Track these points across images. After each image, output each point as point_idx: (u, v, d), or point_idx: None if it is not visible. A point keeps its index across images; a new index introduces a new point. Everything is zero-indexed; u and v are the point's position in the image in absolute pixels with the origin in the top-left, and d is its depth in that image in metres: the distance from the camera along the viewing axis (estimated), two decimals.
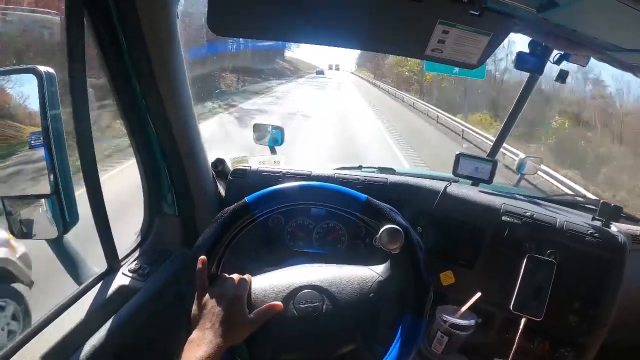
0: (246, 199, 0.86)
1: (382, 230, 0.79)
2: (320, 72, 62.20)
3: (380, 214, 0.84)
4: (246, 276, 0.84)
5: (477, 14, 0.93)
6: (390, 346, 0.77)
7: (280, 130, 1.68)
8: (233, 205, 0.86)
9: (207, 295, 0.78)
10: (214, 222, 0.85)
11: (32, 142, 0.90)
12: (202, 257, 0.80)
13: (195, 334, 0.75)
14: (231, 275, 0.84)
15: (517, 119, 1.60)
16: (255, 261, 1.20)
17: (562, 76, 1.32)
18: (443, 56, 1.02)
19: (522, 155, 1.73)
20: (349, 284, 0.84)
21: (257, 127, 1.71)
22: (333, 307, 0.81)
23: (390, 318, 0.82)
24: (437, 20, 0.93)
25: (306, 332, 0.80)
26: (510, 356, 1.02)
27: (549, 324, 1.12)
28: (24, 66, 0.90)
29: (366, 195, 0.86)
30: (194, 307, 0.78)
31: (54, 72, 0.87)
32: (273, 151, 1.68)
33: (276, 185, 0.88)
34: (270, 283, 0.85)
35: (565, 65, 1.29)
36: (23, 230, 1.00)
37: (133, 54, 1.00)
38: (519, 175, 1.72)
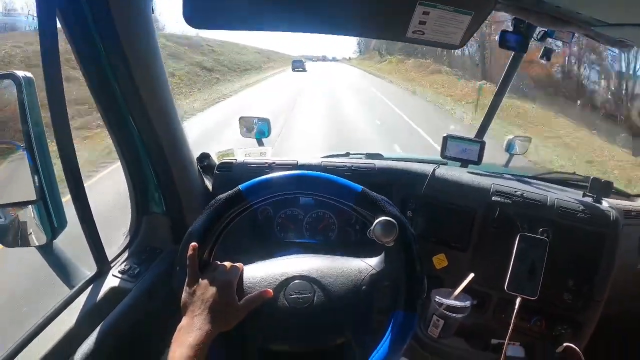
0: (240, 186, 0.85)
1: (376, 222, 0.78)
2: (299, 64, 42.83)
3: (375, 205, 0.83)
4: (238, 264, 0.84)
5: None
6: (381, 339, 0.76)
7: (266, 122, 1.66)
8: (226, 193, 0.85)
9: (198, 282, 0.78)
10: (207, 210, 0.84)
11: None
12: (194, 243, 0.79)
13: (184, 321, 0.74)
14: (223, 263, 0.83)
15: (503, 98, 1.59)
16: (245, 254, 1.20)
17: (547, 54, 1.31)
18: (425, 38, 1.00)
19: (510, 136, 1.72)
20: (341, 276, 0.84)
21: (242, 120, 1.68)
22: (324, 298, 0.81)
23: (382, 311, 0.81)
24: (417, 0, 0.92)
25: (296, 323, 0.80)
26: (508, 336, 1.02)
27: (544, 302, 1.13)
28: (1, 72, 0.88)
29: (362, 187, 0.85)
30: (184, 294, 0.78)
31: (32, 77, 0.85)
32: (260, 143, 1.66)
33: (264, 175, 0.87)
34: (262, 272, 0.85)
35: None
36: (12, 239, 0.98)
37: (109, 52, 0.97)
38: (509, 155, 1.72)
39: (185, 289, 0.78)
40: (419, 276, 0.80)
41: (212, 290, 0.76)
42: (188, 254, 0.78)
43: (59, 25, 0.88)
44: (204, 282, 0.78)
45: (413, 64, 29.16)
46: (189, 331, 0.72)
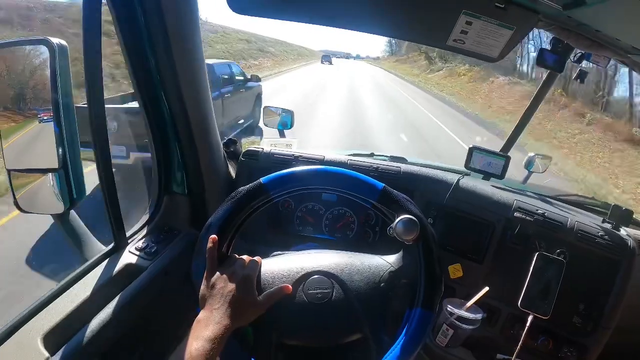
0: (261, 179, 0.84)
1: (397, 220, 0.78)
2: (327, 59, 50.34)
3: (396, 203, 0.83)
4: (256, 258, 0.83)
5: (502, 6, 0.92)
6: (398, 337, 0.76)
7: (290, 113, 1.66)
8: (247, 186, 0.84)
9: (217, 275, 0.77)
10: (227, 202, 0.83)
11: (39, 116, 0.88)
12: (213, 236, 0.78)
13: (203, 314, 0.73)
14: (241, 256, 0.82)
15: (533, 115, 1.59)
16: (262, 244, 1.19)
17: (582, 75, 1.31)
18: (464, 47, 1.00)
19: (531, 154, 1.72)
20: (360, 272, 0.83)
21: (266, 110, 1.68)
22: (343, 294, 0.80)
23: (399, 309, 0.81)
24: (462, 10, 0.92)
25: (314, 319, 0.79)
26: (515, 353, 1.02)
27: (553, 323, 1.13)
28: (36, 37, 0.87)
29: (383, 184, 0.85)
30: (203, 287, 0.77)
31: (66, 45, 0.84)
32: (282, 135, 1.66)
33: (288, 168, 0.86)
34: (281, 267, 0.84)
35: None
36: (29, 204, 0.98)
37: (150, 27, 0.98)
38: (528, 172, 1.71)
39: (204, 281, 0.77)
40: (438, 275, 0.80)
41: (232, 285, 0.76)
42: (207, 247, 0.78)
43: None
44: (223, 276, 0.77)
45: (514, 89, 16.50)
46: (208, 324, 0.71)
